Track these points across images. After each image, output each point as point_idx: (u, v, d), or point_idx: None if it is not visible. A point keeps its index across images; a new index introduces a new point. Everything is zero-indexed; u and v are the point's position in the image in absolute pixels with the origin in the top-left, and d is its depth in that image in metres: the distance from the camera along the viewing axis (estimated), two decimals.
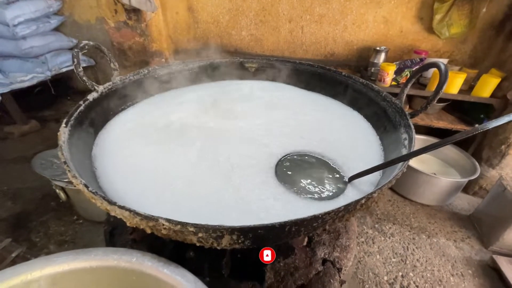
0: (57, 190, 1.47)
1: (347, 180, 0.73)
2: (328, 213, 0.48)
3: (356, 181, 0.72)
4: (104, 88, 0.95)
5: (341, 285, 0.91)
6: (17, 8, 2.30)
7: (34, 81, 2.46)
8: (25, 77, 2.42)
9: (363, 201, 0.51)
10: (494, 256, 1.50)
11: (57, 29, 2.79)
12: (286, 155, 0.82)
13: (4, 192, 1.84)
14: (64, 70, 2.73)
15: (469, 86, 1.90)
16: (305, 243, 0.91)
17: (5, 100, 2.27)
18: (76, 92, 3.18)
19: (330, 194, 0.70)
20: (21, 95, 2.47)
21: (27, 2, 2.39)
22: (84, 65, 2.84)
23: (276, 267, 0.81)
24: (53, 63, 2.62)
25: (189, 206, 0.64)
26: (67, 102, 3.08)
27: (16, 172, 2.02)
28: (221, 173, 0.74)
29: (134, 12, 2.19)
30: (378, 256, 1.56)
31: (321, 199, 0.68)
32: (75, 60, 0.85)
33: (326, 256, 0.90)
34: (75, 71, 0.87)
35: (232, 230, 0.45)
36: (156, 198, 0.66)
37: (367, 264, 1.51)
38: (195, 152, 0.82)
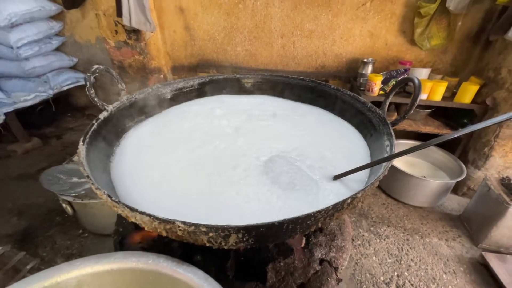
0: (64, 205, 1.53)
1: (332, 178, 0.82)
2: (319, 211, 0.56)
3: (346, 179, 0.82)
4: (113, 107, 1.03)
5: (337, 283, 0.98)
6: (20, 31, 2.40)
7: (37, 100, 2.54)
8: (28, 96, 2.50)
9: (349, 201, 0.59)
10: (483, 253, 1.58)
11: (58, 48, 2.90)
12: (275, 155, 0.92)
13: (9, 209, 1.88)
14: (65, 88, 2.82)
15: (451, 93, 2.03)
16: (303, 245, 0.99)
17: (8, 119, 2.33)
18: (76, 109, 3.26)
19: (317, 189, 0.79)
20: (23, 114, 2.54)
21: (30, 25, 2.50)
22: (84, 82, 2.93)
23: (277, 267, 0.88)
24: (54, 82, 2.71)
25: (195, 209, 0.73)
26: (67, 119, 3.15)
27: (20, 189, 2.07)
28: (224, 179, 0.82)
29: (134, 32, 2.31)
30: (374, 258, 1.63)
31: (307, 193, 0.77)
32: (87, 83, 0.95)
33: (323, 256, 0.97)
34: (87, 93, 0.95)
35: (238, 229, 0.53)
36: (165, 204, 0.74)
37: (364, 265, 1.58)
38: (199, 162, 0.90)
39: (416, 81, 0.82)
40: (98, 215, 1.57)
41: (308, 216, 0.55)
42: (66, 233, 1.70)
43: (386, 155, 0.83)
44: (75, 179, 1.58)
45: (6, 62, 2.50)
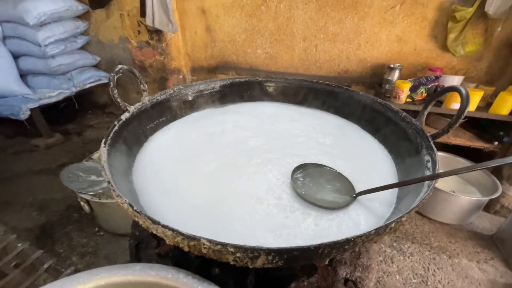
0: (82, 203, 1.54)
1: (355, 195, 0.77)
2: (359, 236, 0.50)
3: (371, 199, 0.76)
4: (135, 108, 1.00)
5: None
6: (48, 30, 2.48)
7: (61, 97, 2.61)
8: (53, 93, 2.57)
9: (392, 225, 0.53)
10: None
11: (82, 47, 2.98)
12: (300, 165, 0.86)
13: (30, 203, 1.92)
14: (87, 86, 2.88)
15: (486, 103, 1.89)
16: (326, 262, 0.92)
17: (33, 114, 2.40)
18: (96, 107, 3.33)
19: (340, 205, 0.74)
20: (47, 110, 2.61)
21: (58, 24, 2.57)
22: (105, 81, 2.99)
23: (300, 286, 0.82)
24: (78, 80, 2.78)
25: (216, 221, 0.69)
26: (88, 116, 3.22)
27: (41, 183, 2.12)
28: (249, 191, 0.78)
29: (156, 32, 2.33)
30: (397, 276, 1.52)
31: (332, 209, 0.73)
32: (111, 83, 0.92)
33: (348, 275, 0.90)
34: (110, 93, 0.93)
35: (269, 251, 0.47)
36: (185, 214, 0.71)
37: (386, 284, 1.48)
38: (222, 169, 0.86)
39: (464, 92, 0.74)
40: (114, 215, 1.57)
41: (347, 241, 0.49)
42: (83, 230, 1.72)
43: (427, 171, 0.75)
44: (93, 177, 1.59)
45: (33, 59, 2.59)
